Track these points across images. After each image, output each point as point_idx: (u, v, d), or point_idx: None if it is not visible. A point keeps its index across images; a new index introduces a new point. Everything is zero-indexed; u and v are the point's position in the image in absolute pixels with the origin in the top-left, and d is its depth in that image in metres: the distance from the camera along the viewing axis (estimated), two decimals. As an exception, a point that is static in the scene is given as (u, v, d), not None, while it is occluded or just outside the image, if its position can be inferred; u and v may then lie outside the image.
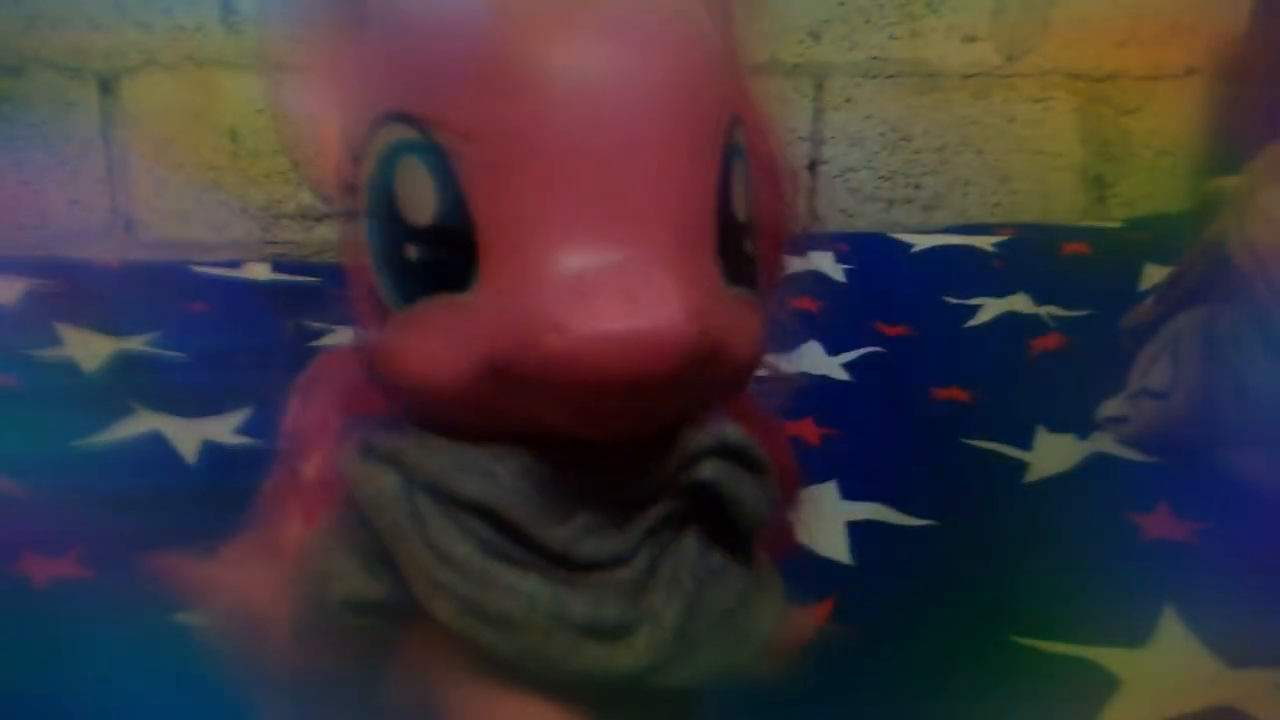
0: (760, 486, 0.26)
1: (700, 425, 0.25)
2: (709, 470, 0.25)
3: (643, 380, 0.21)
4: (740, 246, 0.24)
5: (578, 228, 0.22)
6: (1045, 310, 0.86)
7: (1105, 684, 0.45)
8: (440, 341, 0.23)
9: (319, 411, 0.28)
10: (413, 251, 0.23)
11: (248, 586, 0.29)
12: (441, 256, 0.23)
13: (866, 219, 1.10)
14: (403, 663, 0.26)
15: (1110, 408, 0.68)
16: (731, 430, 0.25)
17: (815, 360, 0.75)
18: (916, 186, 1.12)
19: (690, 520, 0.25)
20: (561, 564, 0.24)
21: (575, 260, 0.21)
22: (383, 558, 0.25)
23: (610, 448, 0.24)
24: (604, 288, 0.21)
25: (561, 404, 0.22)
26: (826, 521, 0.57)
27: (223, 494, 0.57)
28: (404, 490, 0.24)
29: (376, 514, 0.24)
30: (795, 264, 0.28)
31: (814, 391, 0.70)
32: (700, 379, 0.22)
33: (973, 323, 0.85)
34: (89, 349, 0.74)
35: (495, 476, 0.24)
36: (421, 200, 0.23)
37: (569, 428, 0.23)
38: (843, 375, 0.76)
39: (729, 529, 0.26)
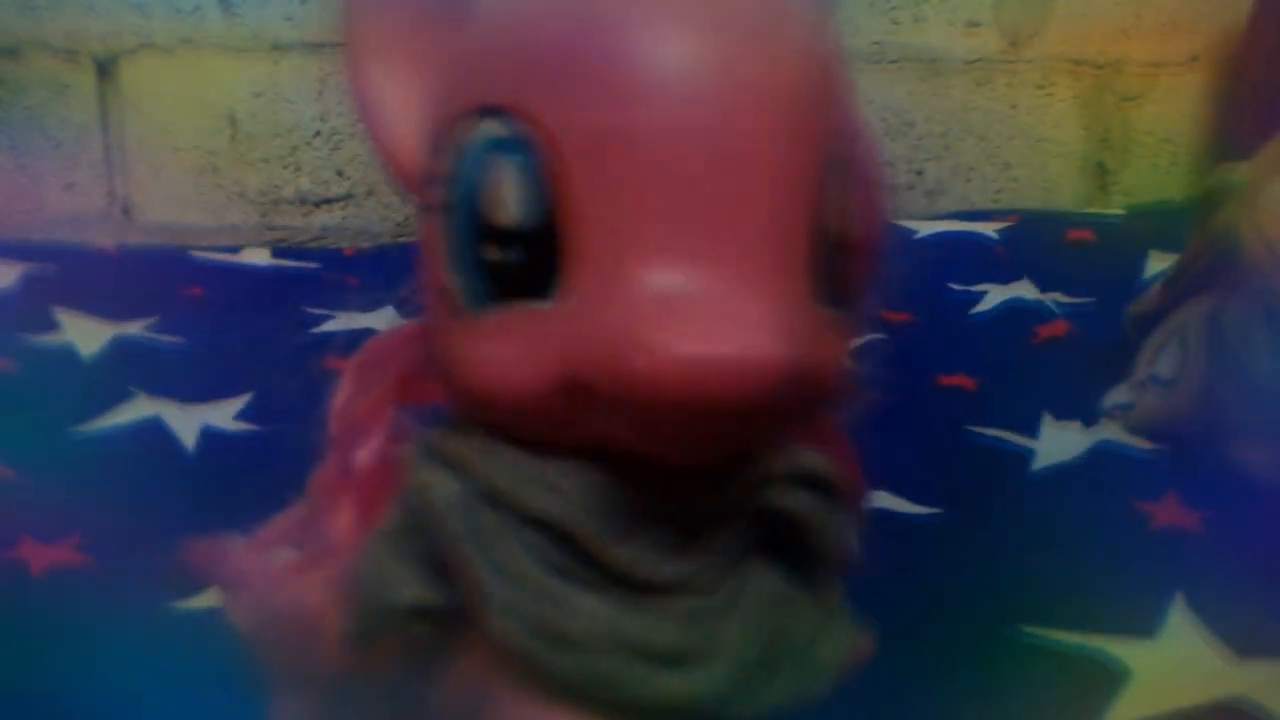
0: (844, 517, 0.25)
1: (775, 449, 0.24)
2: (801, 501, 0.24)
3: (731, 406, 0.20)
4: (834, 264, 0.23)
5: (677, 244, 0.21)
6: (1050, 297, 0.85)
7: (1114, 674, 0.45)
8: (515, 350, 0.22)
9: (374, 398, 0.27)
10: (493, 253, 0.22)
11: (292, 578, 0.28)
12: (524, 260, 0.22)
13: (870, 205, 1.10)
14: (454, 671, 0.25)
15: (1116, 396, 0.67)
16: (811, 458, 0.25)
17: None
18: (919, 173, 1.11)
19: (770, 548, 0.24)
20: (627, 585, 0.23)
21: (669, 278, 0.20)
22: (440, 564, 0.24)
23: (680, 467, 0.23)
24: (697, 309, 0.20)
25: (642, 424, 0.21)
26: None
27: (223, 480, 0.57)
28: (466, 500, 0.23)
29: (438, 523, 0.23)
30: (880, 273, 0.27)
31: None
32: (787, 405, 0.21)
33: (977, 310, 0.85)
34: (87, 334, 0.73)
35: (562, 491, 0.23)
36: (508, 200, 0.22)
37: (645, 448, 0.22)
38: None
39: (807, 558, 0.25)
